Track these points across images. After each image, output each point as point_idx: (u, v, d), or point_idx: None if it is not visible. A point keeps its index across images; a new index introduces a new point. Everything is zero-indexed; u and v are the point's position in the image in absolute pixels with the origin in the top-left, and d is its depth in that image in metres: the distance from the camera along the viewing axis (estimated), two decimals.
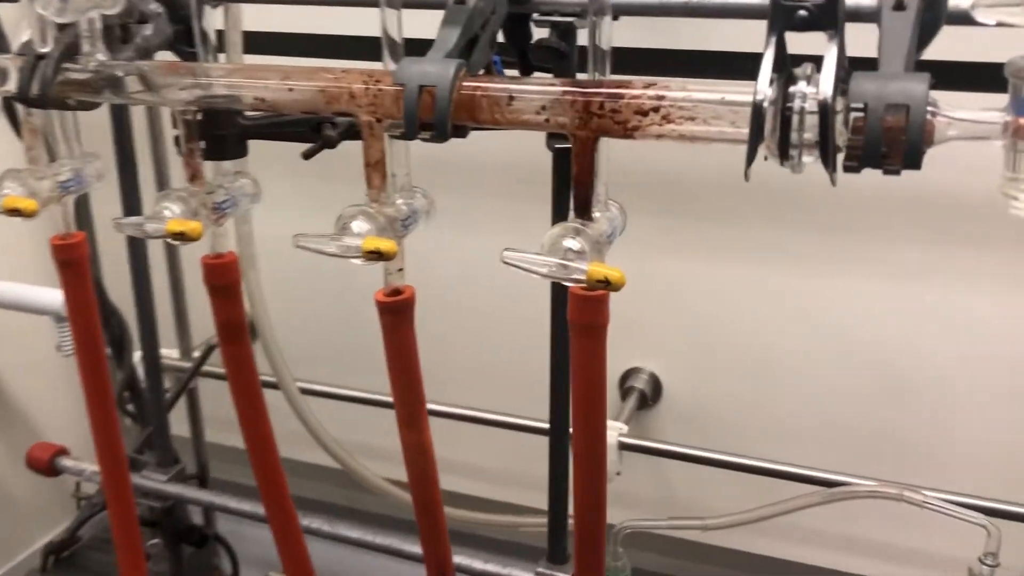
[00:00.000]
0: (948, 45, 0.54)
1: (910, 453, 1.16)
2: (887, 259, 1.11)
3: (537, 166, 0.81)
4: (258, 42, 0.98)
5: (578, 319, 0.63)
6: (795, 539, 1.22)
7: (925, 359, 1.13)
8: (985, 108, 0.50)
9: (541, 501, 0.98)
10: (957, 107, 0.50)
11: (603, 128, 0.56)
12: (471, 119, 0.60)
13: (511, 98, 0.58)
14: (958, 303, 1.09)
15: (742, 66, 0.98)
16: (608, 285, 0.56)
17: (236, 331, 0.77)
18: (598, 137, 0.57)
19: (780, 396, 1.21)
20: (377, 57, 0.70)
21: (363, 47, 1.10)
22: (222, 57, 0.84)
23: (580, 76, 0.85)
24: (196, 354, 1.38)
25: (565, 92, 0.57)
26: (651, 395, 1.28)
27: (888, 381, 1.15)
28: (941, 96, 0.49)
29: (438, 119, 0.58)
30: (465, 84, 0.59)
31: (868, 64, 0.51)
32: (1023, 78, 0.48)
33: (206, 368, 1.34)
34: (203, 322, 1.34)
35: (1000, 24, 0.49)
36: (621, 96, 0.55)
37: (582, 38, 0.80)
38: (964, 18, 0.51)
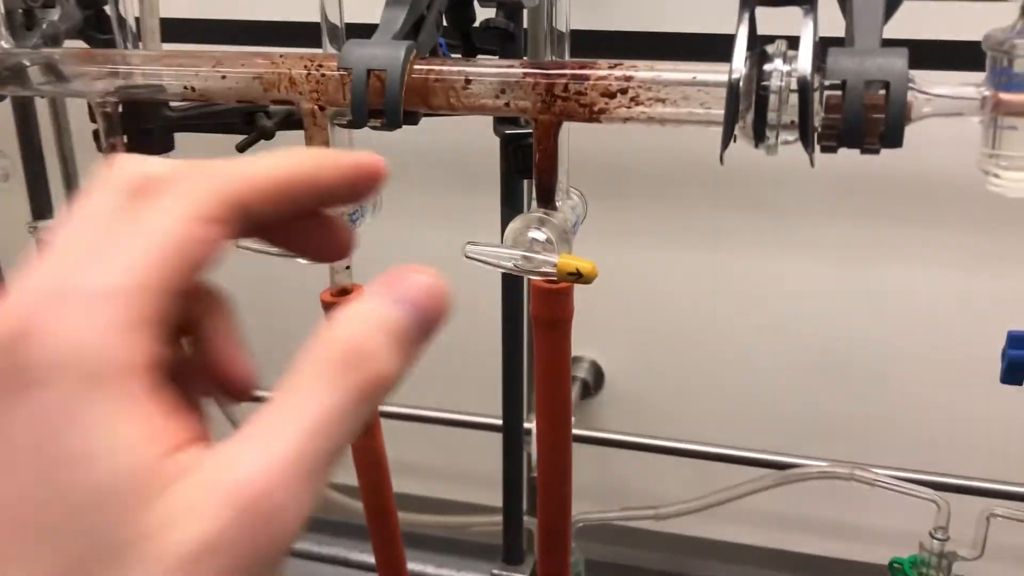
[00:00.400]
0: (913, 22, 0.52)
1: (858, 430, 1.16)
2: (823, 240, 1.12)
3: (485, 153, 0.78)
4: (178, 29, 0.92)
5: (542, 314, 0.61)
6: (747, 522, 1.22)
7: (865, 337, 1.13)
8: (963, 83, 0.49)
9: (489, 498, 0.95)
10: (933, 83, 0.49)
11: (567, 112, 0.53)
12: (424, 105, 0.56)
13: (467, 81, 0.54)
14: (894, 281, 1.10)
15: (699, 48, 0.97)
16: (580, 277, 0.53)
17: None
18: (561, 121, 0.54)
19: (724, 379, 1.21)
20: (309, 44, 0.66)
21: (292, 33, 1.05)
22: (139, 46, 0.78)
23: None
24: None
25: (526, 74, 0.53)
26: (593, 384, 1.26)
27: (830, 360, 1.16)
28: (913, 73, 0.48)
29: (389, 105, 0.54)
30: (416, 67, 0.55)
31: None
32: (1004, 51, 0.47)
33: None
34: None
35: None
36: (586, 77, 0.52)
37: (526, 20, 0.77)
38: None
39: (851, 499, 1.11)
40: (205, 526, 0.19)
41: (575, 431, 1.14)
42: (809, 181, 1.08)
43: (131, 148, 0.65)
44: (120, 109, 0.64)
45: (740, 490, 1.04)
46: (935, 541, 0.92)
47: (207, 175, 0.24)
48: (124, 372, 0.20)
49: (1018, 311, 1.03)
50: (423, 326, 0.24)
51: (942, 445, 1.13)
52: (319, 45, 0.65)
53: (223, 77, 0.58)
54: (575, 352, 1.26)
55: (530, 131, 0.54)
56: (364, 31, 0.59)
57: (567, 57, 0.59)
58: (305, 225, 0.27)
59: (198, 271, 0.23)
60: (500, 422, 0.93)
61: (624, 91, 0.52)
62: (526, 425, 0.95)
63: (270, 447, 0.21)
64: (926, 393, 1.13)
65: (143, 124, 0.65)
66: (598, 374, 1.27)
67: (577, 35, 0.62)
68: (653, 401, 1.25)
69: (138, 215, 0.22)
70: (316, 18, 0.65)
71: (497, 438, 0.94)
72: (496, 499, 0.97)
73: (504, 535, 0.96)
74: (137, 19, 0.80)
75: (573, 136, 0.60)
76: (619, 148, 1.12)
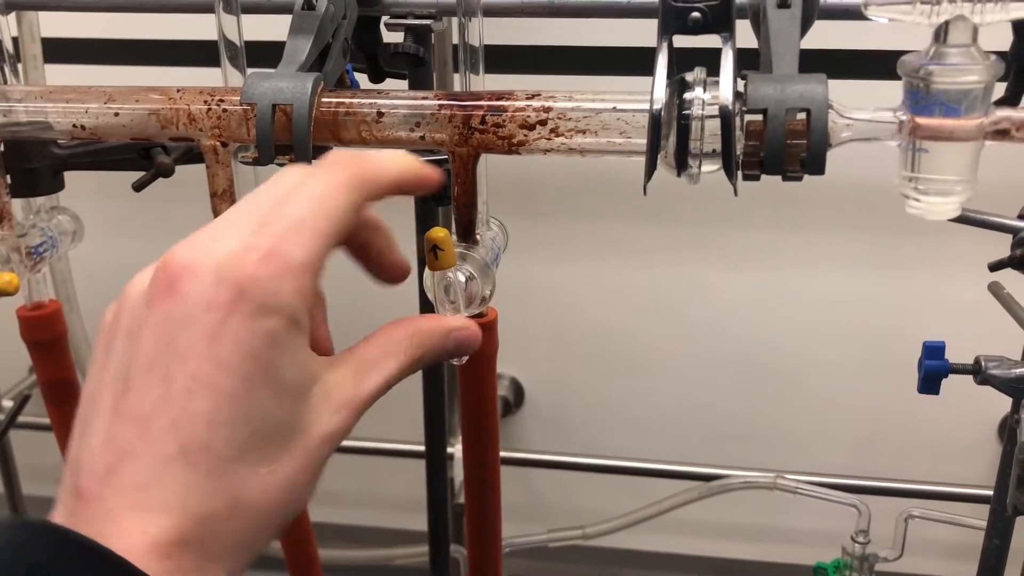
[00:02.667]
0: (833, 33, 0.52)
1: (779, 437, 1.18)
2: (738, 250, 1.13)
3: None
4: (60, 50, 0.87)
5: None
6: (675, 531, 1.23)
7: (784, 344, 1.15)
8: (879, 108, 0.49)
9: (409, 523, 0.92)
10: (852, 107, 0.49)
11: (486, 144, 0.51)
12: (334, 139, 0.54)
13: (380, 114, 0.52)
14: (809, 287, 1.12)
15: (615, 62, 0.96)
16: None
17: (64, 390, 0.67)
18: (479, 154, 0.52)
19: (644, 391, 1.21)
20: (206, 63, 0.62)
21: (187, 53, 1.00)
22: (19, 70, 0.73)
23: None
24: (6, 402, 1.23)
25: (442, 106, 0.51)
26: (514, 401, 1.25)
27: (749, 369, 1.17)
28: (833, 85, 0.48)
29: (297, 142, 0.51)
30: (325, 100, 0.52)
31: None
32: (918, 77, 0.47)
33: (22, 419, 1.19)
34: (11, 363, 1.19)
35: (892, 21, 0.47)
36: (504, 109, 0.50)
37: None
38: (856, 14, 0.49)
39: (775, 505, 1.12)
40: (335, 420, 0.33)
41: None
42: (722, 192, 1.09)
43: (15, 188, 0.61)
44: (1, 148, 0.59)
45: (667, 504, 1.04)
46: (856, 544, 0.93)
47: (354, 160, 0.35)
48: (301, 316, 0.32)
49: (929, 314, 1.06)
50: (454, 353, 0.39)
51: (861, 448, 1.15)
52: (216, 64, 0.61)
53: (116, 115, 0.54)
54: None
55: (445, 156, 0.52)
56: (265, 50, 0.56)
57: (482, 73, 0.57)
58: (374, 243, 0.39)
59: (349, 231, 0.35)
60: (423, 448, 0.91)
61: (543, 122, 0.50)
62: (449, 450, 0.93)
63: (366, 381, 0.34)
64: (843, 398, 1.16)
65: (28, 163, 0.61)
66: (518, 391, 1.26)
67: (490, 50, 0.60)
68: (574, 415, 1.25)
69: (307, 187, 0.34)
70: (212, 36, 0.61)
71: (420, 464, 0.92)
72: (421, 523, 0.94)
73: (431, 564, 0.94)
74: (15, 38, 0.75)
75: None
76: (532, 163, 1.11)
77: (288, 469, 0.32)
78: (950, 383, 0.68)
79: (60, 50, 0.89)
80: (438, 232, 0.48)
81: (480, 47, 0.57)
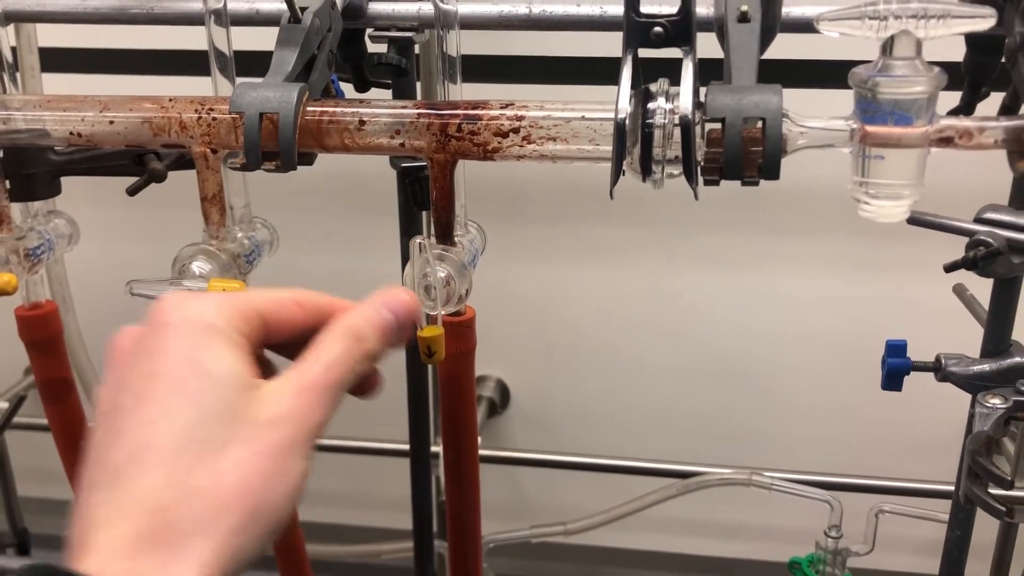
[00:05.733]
0: (787, 42, 0.55)
1: (755, 436, 1.21)
2: (715, 252, 1.16)
3: (380, 181, 0.78)
4: (57, 59, 0.90)
5: (447, 347, 0.61)
6: (654, 529, 1.25)
7: (759, 345, 1.18)
8: (833, 116, 0.52)
9: (396, 521, 0.94)
10: (806, 116, 0.52)
11: (462, 151, 0.54)
12: (318, 146, 0.56)
13: (362, 122, 0.55)
14: (786, 288, 1.15)
15: (584, 72, 0.99)
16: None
17: (61, 388, 0.70)
18: (456, 160, 0.55)
19: (625, 391, 1.23)
20: (196, 72, 0.65)
21: (178, 63, 1.03)
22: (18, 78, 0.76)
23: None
24: (2, 404, 1.25)
25: (420, 114, 0.54)
26: (500, 402, 1.28)
27: (726, 368, 1.20)
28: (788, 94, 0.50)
29: (283, 148, 0.54)
30: (309, 109, 0.55)
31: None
32: (867, 88, 0.50)
33: (17, 420, 1.21)
34: (8, 366, 1.22)
35: (843, 35, 0.50)
36: (479, 118, 0.53)
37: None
38: (809, 28, 0.52)
39: (751, 502, 1.15)
40: (281, 405, 0.35)
41: (482, 451, 1.15)
42: (702, 196, 1.11)
43: (14, 193, 0.63)
44: (0, 154, 0.62)
45: (646, 500, 1.07)
46: (829, 539, 0.96)
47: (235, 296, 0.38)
48: (230, 332, 0.36)
49: (898, 316, 1.09)
50: (400, 325, 0.41)
51: (834, 446, 1.18)
52: (206, 73, 0.64)
53: (111, 122, 0.57)
54: (481, 371, 1.28)
55: (426, 164, 0.55)
56: (255, 60, 0.59)
57: (459, 82, 0.60)
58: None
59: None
60: (407, 447, 0.93)
61: (516, 130, 0.53)
62: (434, 449, 0.95)
63: (308, 368, 0.37)
64: (817, 398, 1.18)
65: (26, 169, 0.63)
66: (504, 392, 1.29)
67: (467, 60, 0.63)
68: (559, 416, 1.27)
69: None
70: (202, 46, 0.64)
71: (405, 463, 0.94)
72: (407, 523, 0.97)
73: (416, 560, 0.96)
74: (13, 48, 0.78)
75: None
76: (515, 168, 1.14)
77: (239, 452, 0.33)
78: (920, 384, 0.71)
79: (57, 59, 0.92)
80: (433, 331, 0.51)
81: (458, 58, 0.60)
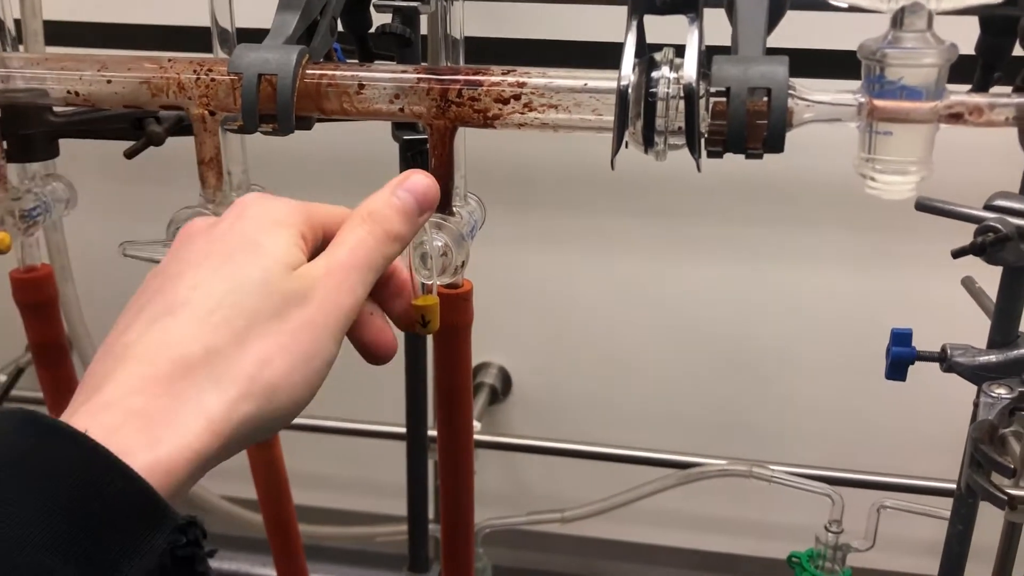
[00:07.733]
0: (797, 32, 0.54)
1: (756, 429, 1.19)
2: (721, 243, 1.15)
3: (380, 157, 0.78)
4: (61, 32, 0.89)
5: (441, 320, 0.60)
6: (652, 522, 1.24)
7: (764, 338, 1.17)
8: (840, 91, 0.51)
9: (393, 507, 0.94)
10: (813, 90, 0.51)
11: (462, 117, 0.53)
12: (317, 109, 0.56)
13: (361, 86, 0.54)
14: (793, 283, 1.14)
15: (594, 55, 0.98)
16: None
17: (54, 353, 0.69)
18: (456, 127, 0.54)
19: (628, 381, 1.23)
20: (198, 49, 0.64)
21: (180, 38, 1.03)
22: (20, 50, 0.75)
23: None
24: (1, 377, 1.25)
25: (420, 79, 0.53)
26: (501, 389, 1.27)
27: (729, 360, 1.19)
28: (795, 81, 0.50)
29: (281, 110, 0.53)
30: (309, 72, 0.55)
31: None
32: (876, 60, 0.49)
33: (15, 392, 1.21)
34: (10, 339, 1.21)
35: (852, 8, 0.49)
36: (480, 83, 0.52)
37: (423, 26, 0.77)
38: (819, 3, 0.51)
39: (751, 496, 1.14)
40: (310, 285, 0.37)
41: (482, 437, 1.15)
42: (709, 186, 1.11)
43: (11, 154, 0.63)
44: None
45: (643, 490, 1.06)
46: (830, 534, 0.95)
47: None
48: (294, 229, 0.39)
49: (906, 309, 1.08)
50: (419, 206, 0.43)
51: (837, 441, 1.17)
52: (209, 50, 0.63)
53: (109, 82, 0.56)
54: (483, 358, 1.27)
55: (424, 136, 0.54)
56: (255, 36, 0.58)
57: (462, 62, 0.59)
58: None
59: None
60: (404, 430, 0.92)
61: (517, 97, 0.52)
62: (431, 432, 0.95)
63: (334, 252, 0.39)
64: (821, 392, 1.17)
65: (24, 129, 0.63)
66: (506, 379, 1.28)
67: (474, 42, 0.62)
68: (560, 404, 1.27)
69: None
70: (206, 22, 0.64)
71: (401, 447, 0.94)
72: (402, 508, 0.96)
73: (410, 543, 0.96)
74: (18, 21, 0.77)
75: (476, 142, 0.60)
76: (522, 153, 1.13)
77: (267, 325, 0.35)
78: (926, 378, 0.70)
79: (59, 32, 0.92)
80: (428, 300, 0.49)
81: (460, 30, 0.59)
